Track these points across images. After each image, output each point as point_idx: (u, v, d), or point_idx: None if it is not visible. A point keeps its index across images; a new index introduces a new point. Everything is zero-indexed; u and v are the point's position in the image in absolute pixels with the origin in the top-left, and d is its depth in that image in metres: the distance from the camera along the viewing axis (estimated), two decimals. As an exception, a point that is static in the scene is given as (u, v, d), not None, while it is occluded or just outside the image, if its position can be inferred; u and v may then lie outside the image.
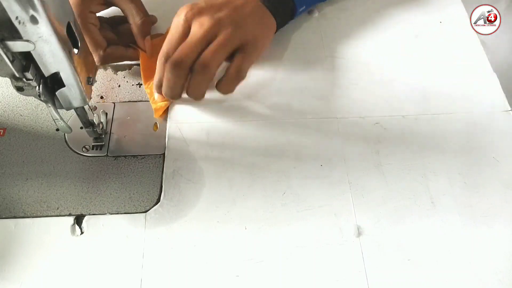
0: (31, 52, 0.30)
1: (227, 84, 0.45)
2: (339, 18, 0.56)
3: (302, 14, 0.55)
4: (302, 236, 0.40)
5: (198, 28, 0.43)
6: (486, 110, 0.48)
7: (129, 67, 0.50)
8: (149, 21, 0.49)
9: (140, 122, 0.46)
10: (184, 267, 0.38)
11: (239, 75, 0.45)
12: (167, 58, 0.43)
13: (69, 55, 0.32)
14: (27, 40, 0.29)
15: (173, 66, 0.42)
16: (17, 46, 0.29)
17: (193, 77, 0.43)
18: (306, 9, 0.53)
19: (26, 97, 0.47)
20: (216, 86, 0.45)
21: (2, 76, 0.31)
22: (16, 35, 0.28)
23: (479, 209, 0.41)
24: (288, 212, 0.41)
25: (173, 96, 0.45)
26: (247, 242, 0.39)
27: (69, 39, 0.32)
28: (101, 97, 0.48)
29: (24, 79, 0.32)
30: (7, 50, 0.29)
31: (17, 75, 0.31)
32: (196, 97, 0.45)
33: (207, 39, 0.43)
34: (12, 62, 0.30)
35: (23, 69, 0.31)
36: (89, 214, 0.40)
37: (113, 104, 0.47)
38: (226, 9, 0.45)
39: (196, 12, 0.44)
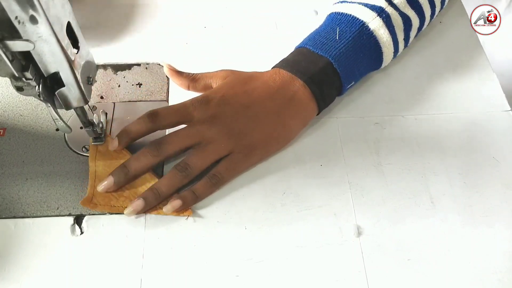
0: (31, 51, 0.30)
1: (200, 185, 0.41)
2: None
3: (304, 16, 0.55)
4: (302, 236, 0.39)
5: (193, 125, 0.41)
6: (486, 110, 0.48)
7: (129, 67, 0.50)
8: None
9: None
10: (184, 267, 0.38)
11: (213, 182, 0.41)
12: (153, 114, 0.41)
13: (69, 55, 0.32)
14: (27, 40, 0.29)
15: (155, 145, 0.40)
16: (16, 45, 0.29)
17: (171, 171, 0.40)
18: (355, 84, 0.48)
19: (26, 97, 0.47)
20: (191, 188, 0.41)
21: (1, 76, 0.31)
22: (15, 35, 0.28)
23: (479, 209, 0.41)
24: (288, 212, 0.41)
25: (130, 170, 0.40)
26: (247, 242, 0.39)
27: (69, 39, 0.32)
28: (101, 97, 0.48)
29: (23, 79, 0.32)
30: (6, 49, 0.29)
31: (16, 74, 0.31)
32: (166, 189, 0.40)
33: (195, 141, 0.41)
34: (11, 61, 0.30)
35: (23, 69, 0.31)
36: (89, 214, 0.40)
37: (113, 104, 0.47)
38: (236, 109, 0.42)
39: (204, 109, 0.41)
